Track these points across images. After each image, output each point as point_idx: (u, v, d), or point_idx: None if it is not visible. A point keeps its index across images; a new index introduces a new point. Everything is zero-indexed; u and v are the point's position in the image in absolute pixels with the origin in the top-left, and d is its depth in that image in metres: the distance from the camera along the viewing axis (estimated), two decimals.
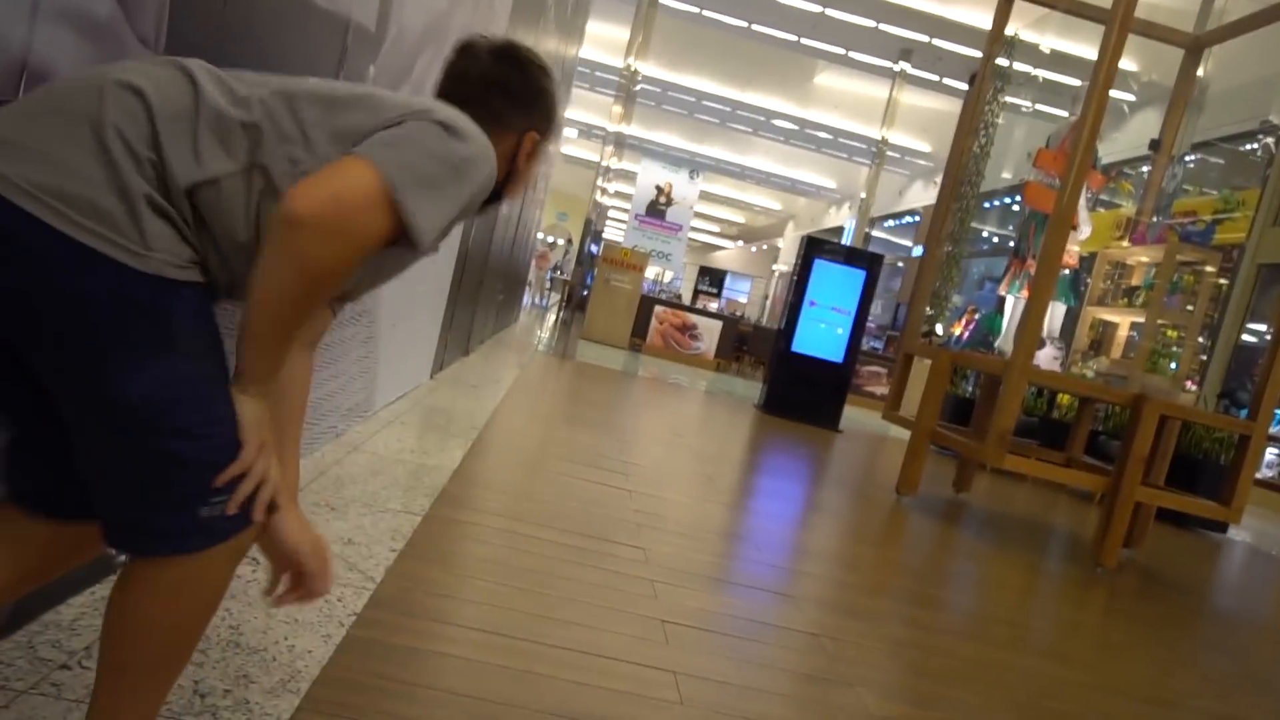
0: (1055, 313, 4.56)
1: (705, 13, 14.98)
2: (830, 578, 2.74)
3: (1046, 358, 4.33)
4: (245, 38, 1.55)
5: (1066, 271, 4.52)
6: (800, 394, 7.55)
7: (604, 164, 13.84)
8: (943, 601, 2.82)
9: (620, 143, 12.61)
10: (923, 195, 20.91)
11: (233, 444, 0.88)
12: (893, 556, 3.31)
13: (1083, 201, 4.31)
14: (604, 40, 17.02)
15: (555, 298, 20.53)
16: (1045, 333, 4.28)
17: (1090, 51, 3.85)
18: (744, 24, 15.05)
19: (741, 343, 12.42)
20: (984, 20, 12.93)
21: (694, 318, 11.95)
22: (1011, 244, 5.05)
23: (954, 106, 16.23)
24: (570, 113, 18.54)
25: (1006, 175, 12.29)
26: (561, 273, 18.02)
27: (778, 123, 20.68)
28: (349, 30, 2.08)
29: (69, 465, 0.90)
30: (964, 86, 15.42)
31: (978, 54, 14.12)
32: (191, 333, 0.86)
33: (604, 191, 12.11)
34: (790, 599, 2.35)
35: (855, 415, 9.43)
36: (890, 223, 23.38)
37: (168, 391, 0.83)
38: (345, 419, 2.92)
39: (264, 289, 0.86)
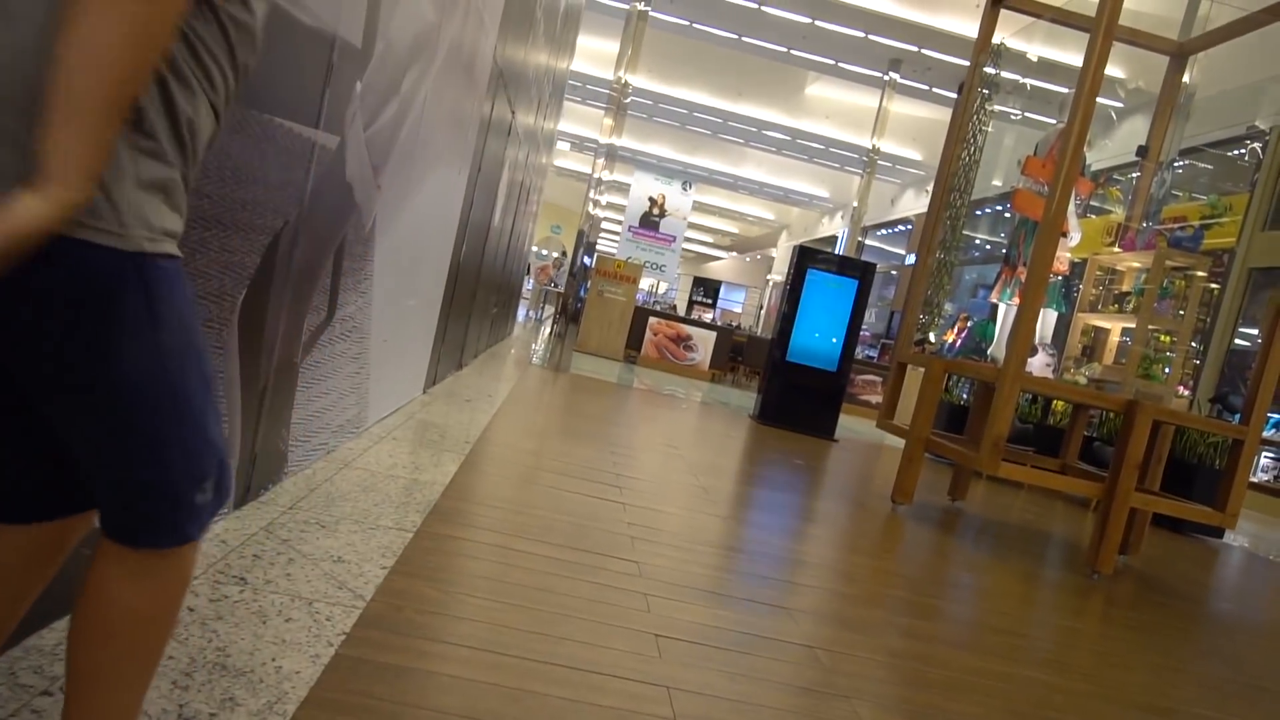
0: (1047, 319, 4.57)
1: (695, 25, 15.08)
2: (825, 589, 2.73)
3: (1039, 364, 4.33)
4: None
5: (1057, 278, 4.54)
6: (795, 403, 7.55)
7: (596, 176, 13.87)
8: (939, 611, 2.81)
9: (612, 155, 12.66)
10: (914, 203, 21.01)
11: (210, 418, 0.90)
12: (888, 566, 3.30)
13: (1072, 208, 4.32)
14: (594, 53, 17.12)
15: (549, 310, 20.54)
16: (1037, 339, 4.29)
17: (1077, 59, 3.88)
18: (734, 36, 15.15)
19: (736, 353, 12.43)
20: (971, 29, 13.05)
21: (688, 329, 11.96)
22: (1003, 251, 5.07)
23: (944, 115, 16.33)
24: (562, 125, 18.58)
25: (997, 183, 12.35)
26: (555, 285, 18.05)
27: (769, 133, 20.79)
28: (335, 47, 2.08)
29: (42, 455, 0.89)
30: (953, 95, 15.53)
31: (966, 62, 14.22)
32: (170, 309, 0.84)
33: (597, 203, 12.15)
34: (785, 611, 2.34)
35: (850, 424, 9.43)
36: (883, 231, 23.49)
37: (153, 372, 0.83)
38: (336, 435, 2.91)
39: (83, 45, 0.71)
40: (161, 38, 0.76)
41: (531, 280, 18.17)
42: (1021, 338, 3.71)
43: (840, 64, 15.66)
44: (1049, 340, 4.56)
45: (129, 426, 0.84)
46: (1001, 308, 4.73)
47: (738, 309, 27.54)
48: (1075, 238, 4.53)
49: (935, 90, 15.90)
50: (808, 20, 13.93)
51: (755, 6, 13.79)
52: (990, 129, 10.67)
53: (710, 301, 17.31)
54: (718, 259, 39.63)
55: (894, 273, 21.29)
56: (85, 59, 0.72)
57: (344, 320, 2.74)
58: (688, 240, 30.98)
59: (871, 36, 14.15)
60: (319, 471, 2.60)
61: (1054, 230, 3.70)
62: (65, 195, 0.73)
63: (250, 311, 1.92)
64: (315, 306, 2.41)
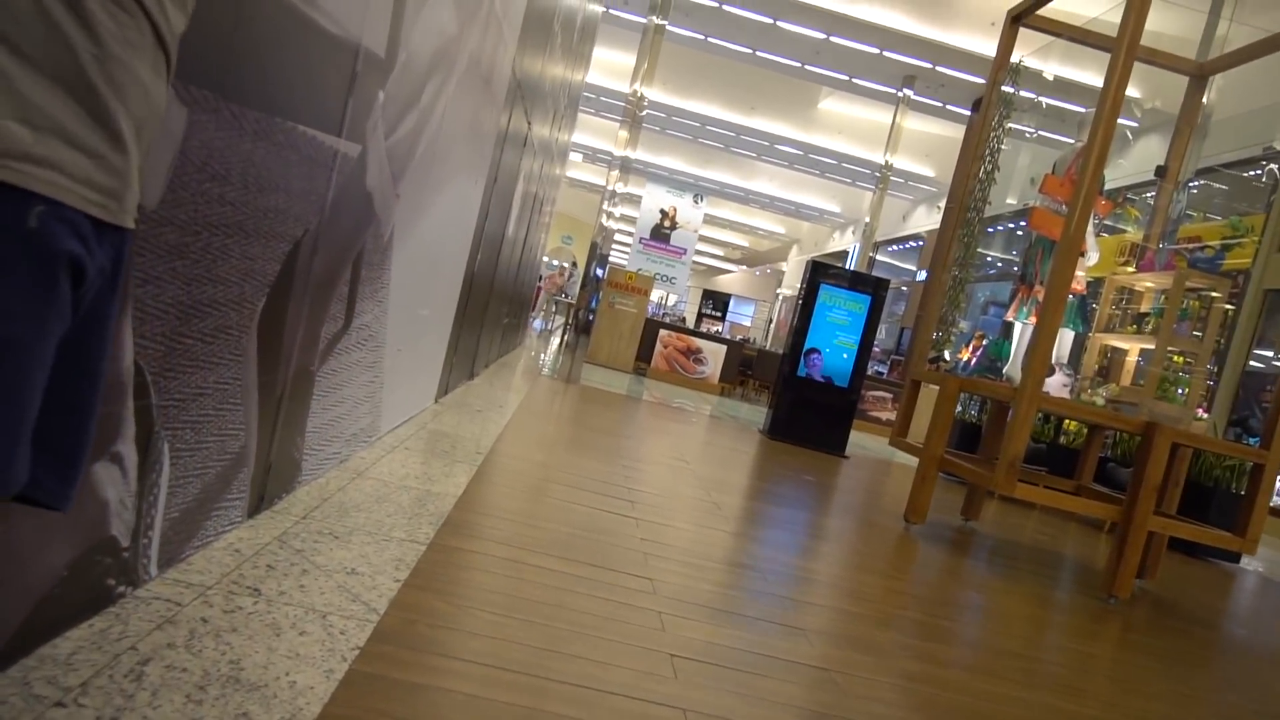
0: (1064, 339, 4.54)
1: (710, 39, 15.14)
2: (840, 609, 2.69)
3: (1056, 385, 4.29)
4: (254, 63, 1.55)
5: (1074, 298, 4.50)
6: (806, 419, 7.51)
7: (610, 188, 13.89)
8: (954, 634, 2.77)
9: (626, 167, 12.68)
10: (926, 219, 20.98)
11: None
12: (902, 587, 3.26)
13: (1090, 228, 4.29)
14: (611, 66, 17.20)
15: (559, 321, 20.57)
16: (1054, 359, 4.25)
17: (1093, 78, 3.86)
18: (748, 50, 15.19)
19: (746, 367, 12.39)
20: (985, 47, 13.06)
21: (699, 341, 11.94)
22: (1016, 269, 5.04)
23: (956, 132, 16.33)
24: (576, 137, 18.66)
25: (1011, 200, 12.32)
26: (566, 296, 18.07)
27: (782, 147, 20.81)
28: (359, 55, 2.09)
29: None
30: (967, 112, 15.52)
31: (980, 80, 14.21)
32: None
33: (609, 215, 12.15)
34: (800, 631, 2.31)
35: (861, 440, 9.38)
36: (894, 247, 23.45)
37: None
38: (350, 445, 2.90)
39: None
40: None
41: (541, 289, 18.20)
42: (1039, 357, 3.68)
43: (854, 79, 15.68)
44: (1065, 360, 4.52)
45: None
46: (1017, 326, 4.70)
47: (747, 322, 27.51)
48: (1093, 257, 4.49)
49: (949, 107, 15.90)
50: (822, 36, 13.97)
51: (770, 21, 13.84)
52: (1006, 146, 10.66)
53: (720, 314, 17.31)
54: (728, 272, 39.64)
55: (905, 289, 21.24)
56: None
57: (360, 329, 2.74)
58: (698, 253, 30.99)
59: (886, 53, 14.16)
60: (332, 481, 2.59)
61: (1073, 250, 3.68)
62: None
63: (269, 319, 1.91)
64: (332, 315, 2.41)
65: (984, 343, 4.89)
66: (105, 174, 0.75)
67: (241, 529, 1.96)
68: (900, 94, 15.74)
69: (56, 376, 0.79)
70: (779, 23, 13.84)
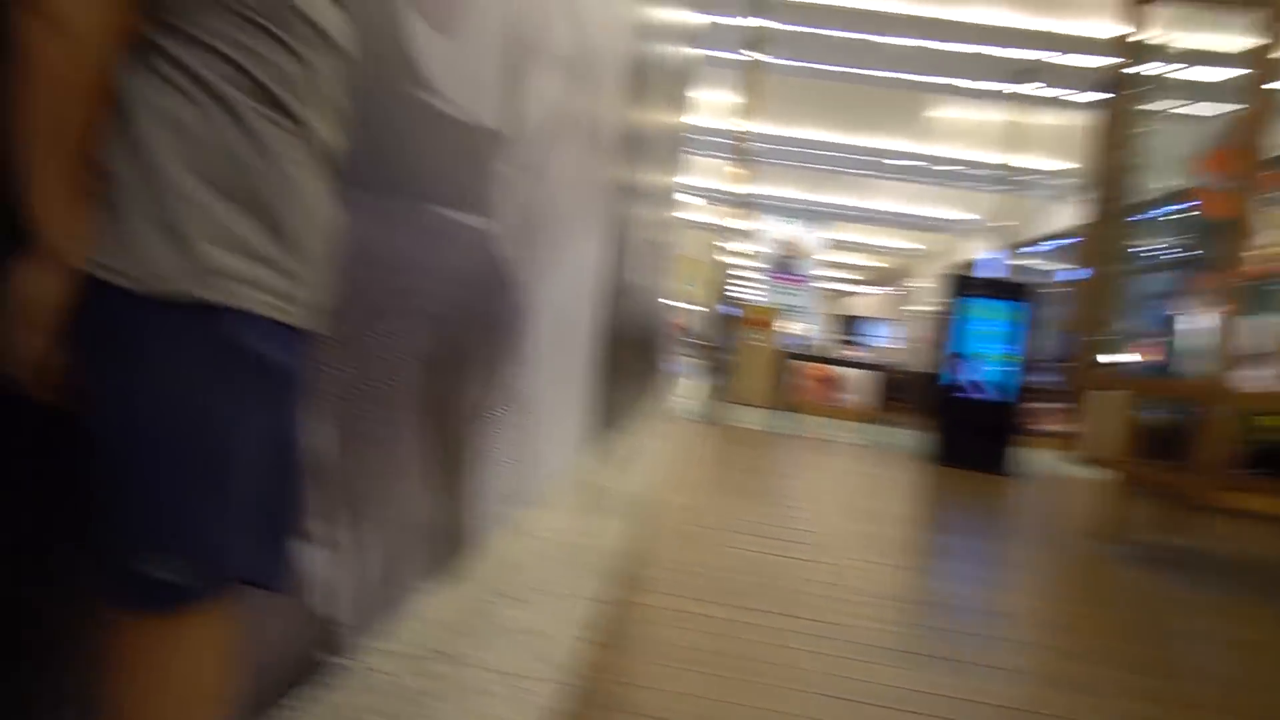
0: (1267, 327, 4.06)
1: (809, 65, 15.02)
2: (1041, 644, 2.46)
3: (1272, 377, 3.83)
4: (396, 158, 1.65)
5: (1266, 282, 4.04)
6: (967, 440, 7.07)
7: (728, 225, 13.99)
8: (1179, 668, 2.47)
9: (742, 203, 12.72)
10: (1067, 217, 19.67)
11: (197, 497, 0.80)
12: (1108, 616, 2.95)
13: None
14: (714, 106, 17.40)
15: (694, 363, 20.64)
16: (1256, 349, 3.81)
17: (1237, 44, 3.49)
18: (850, 69, 14.95)
19: (892, 390, 11.92)
20: (1105, 30, 12.20)
21: (839, 369, 11.64)
22: (1186, 257, 4.59)
23: (1084, 121, 15.27)
24: (688, 179, 18.89)
25: (1161, 185, 11.32)
26: (699, 339, 18.15)
27: (897, 161, 20.21)
28: (482, 135, 2.19)
29: None
30: (1091, 98, 14.50)
31: (1102, 63, 13.27)
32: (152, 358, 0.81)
33: (732, 252, 12.19)
34: (1003, 671, 2.12)
35: (1030, 457, 8.73)
36: (1036, 249, 22.09)
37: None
38: (507, 505, 2.96)
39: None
40: (63, 102, 0.74)
41: (671, 333, 18.34)
42: (1228, 348, 3.30)
43: (963, 82, 15.07)
44: (1272, 349, 4.04)
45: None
46: (1199, 320, 4.25)
47: (887, 344, 26.58)
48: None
49: (1071, 97, 14.94)
50: (926, 43, 13.56)
51: (880, 40, 13.58)
52: (1149, 129, 9.85)
53: (858, 339, 16.80)
54: (859, 294, 38.62)
55: (1057, 291, 19.90)
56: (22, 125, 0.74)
57: (505, 391, 2.82)
58: (826, 279, 30.41)
59: (996, 50, 13.53)
60: (496, 543, 2.64)
61: (1248, 228, 3.30)
62: (49, 246, 0.75)
63: (429, 393, 2.00)
64: (481, 381, 2.49)
65: (1162, 340, 4.46)
66: (285, 280, 0.83)
67: (427, 596, 2.03)
68: (1016, 90, 14.95)
69: (259, 467, 0.84)
70: (881, 38, 13.56)
